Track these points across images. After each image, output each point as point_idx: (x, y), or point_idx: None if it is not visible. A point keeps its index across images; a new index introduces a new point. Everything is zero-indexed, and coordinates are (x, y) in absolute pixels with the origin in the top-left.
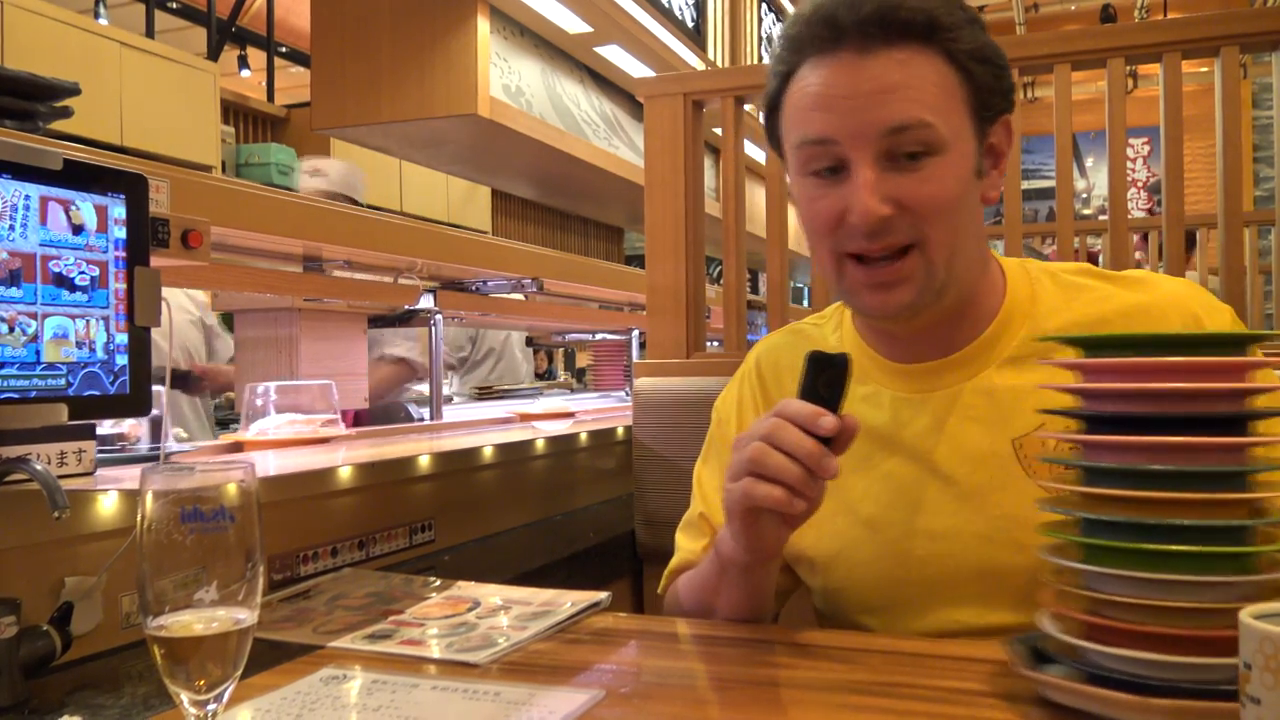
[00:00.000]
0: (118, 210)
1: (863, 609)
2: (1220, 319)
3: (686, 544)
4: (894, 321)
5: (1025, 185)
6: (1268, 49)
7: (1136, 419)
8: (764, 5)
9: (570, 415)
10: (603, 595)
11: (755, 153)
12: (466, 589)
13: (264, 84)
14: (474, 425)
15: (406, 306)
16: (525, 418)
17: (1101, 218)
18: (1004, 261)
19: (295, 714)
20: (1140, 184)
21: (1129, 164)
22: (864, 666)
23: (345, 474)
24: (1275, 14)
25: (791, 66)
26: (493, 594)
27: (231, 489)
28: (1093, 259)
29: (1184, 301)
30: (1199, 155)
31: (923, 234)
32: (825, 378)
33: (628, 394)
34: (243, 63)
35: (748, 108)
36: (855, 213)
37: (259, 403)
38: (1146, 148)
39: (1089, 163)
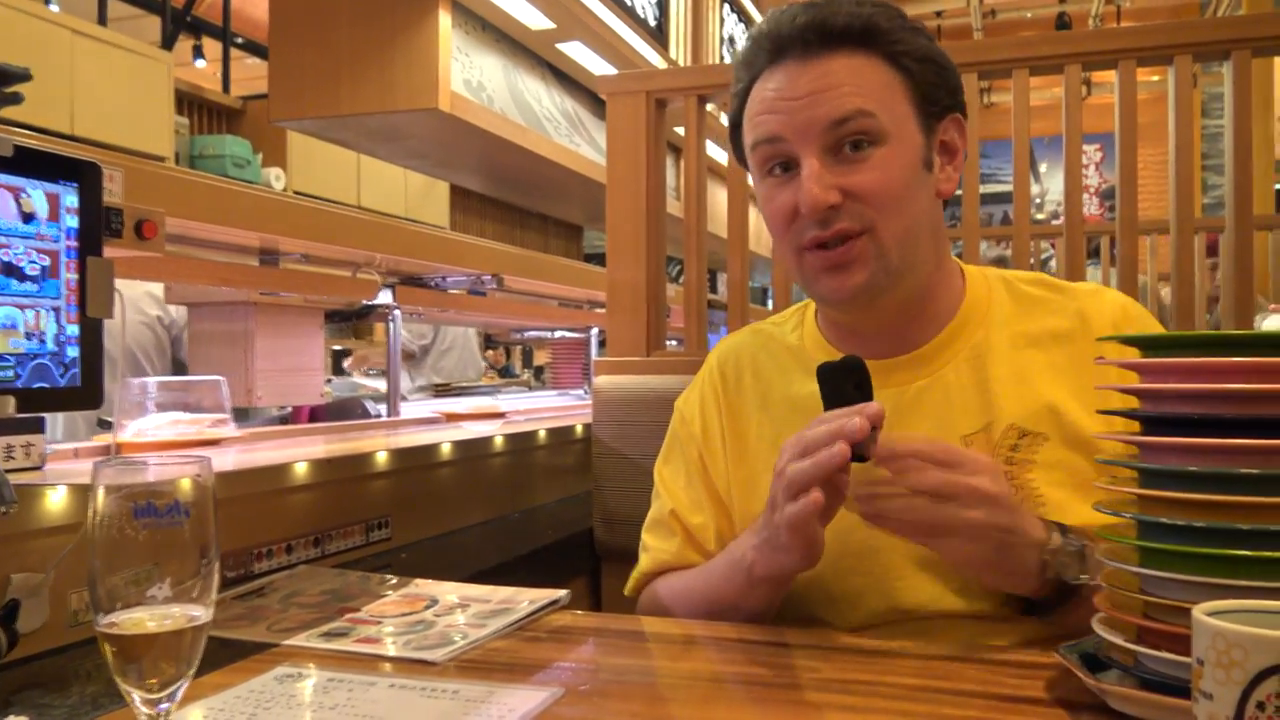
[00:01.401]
0: (70, 199)
1: (815, 599)
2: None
3: (657, 544)
4: (853, 307)
5: (981, 190)
6: (1219, 58)
7: (1197, 420)
8: (726, 5)
9: (500, 415)
10: (561, 593)
11: (717, 153)
12: (424, 587)
13: (219, 75)
14: (395, 425)
15: (364, 302)
16: (452, 417)
17: (1054, 222)
18: (965, 267)
19: (249, 713)
20: (1093, 190)
21: (1082, 169)
22: (825, 664)
23: (301, 470)
24: (1227, 24)
25: (746, 84)
26: (450, 592)
27: (187, 484)
28: (1044, 265)
29: (1114, 314)
30: (1149, 162)
31: (871, 220)
32: (853, 381)
33: (586, 392)
34: (197, 53)
35: (710, 107)
36: (804, 203)
37: (136, 400)
38: (1099, 154)
39: (1043, 168)
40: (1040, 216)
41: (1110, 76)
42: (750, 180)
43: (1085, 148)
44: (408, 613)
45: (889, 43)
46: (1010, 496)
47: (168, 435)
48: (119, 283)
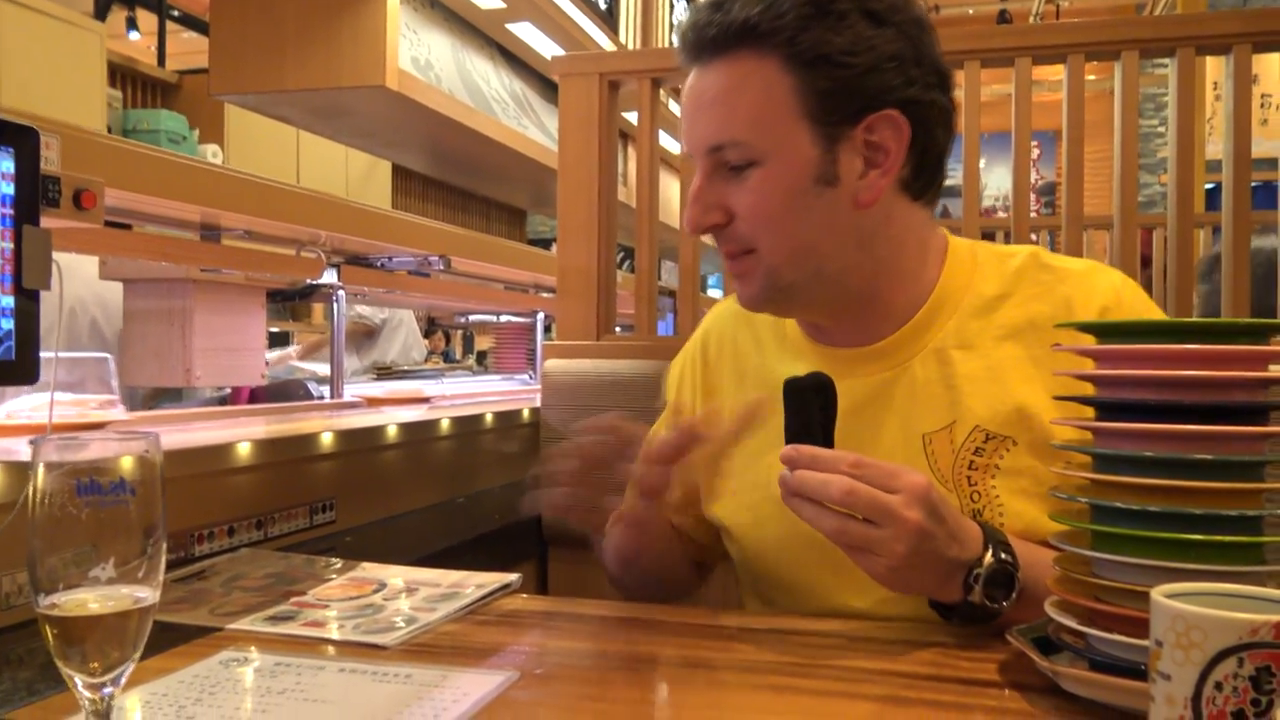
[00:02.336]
0: (5, 164)
1: (775, 585)
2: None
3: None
4: (766, 312)
5: None
6: (1165, 54)
7: (1152, 406)
8: None
9: (425, 400)
10: (512, 577)
11: (668, 142)
12: (370, 570)
13: (154, 48)
14: (310, 409)
15: (308, 281)
16: (373, 402)
17: (999, 214)
18: (952, 247)
19: (195, 698)
20: (1030, 186)
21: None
22: (777, 647)
23: (244, 450)
24: (1173, 21)
25: None
26: (397, 575)
27: (132, 461)
28: None
29: (1105, 299)
30: (1086, 159)
31: (752, 241)
32: (819, 400)
33: (531, 377)
34: (131, 24)
35: (660, 93)
36: (684, 222)
37: None
38: (1037, 151)
39: (982, 163)
40: (980, 210)
41: (1048, 74)
42: None
43: None
44: (355, 596)
45: (779, 43)
46: (945, 521)
47: (43, 419)
48: (66, 257)
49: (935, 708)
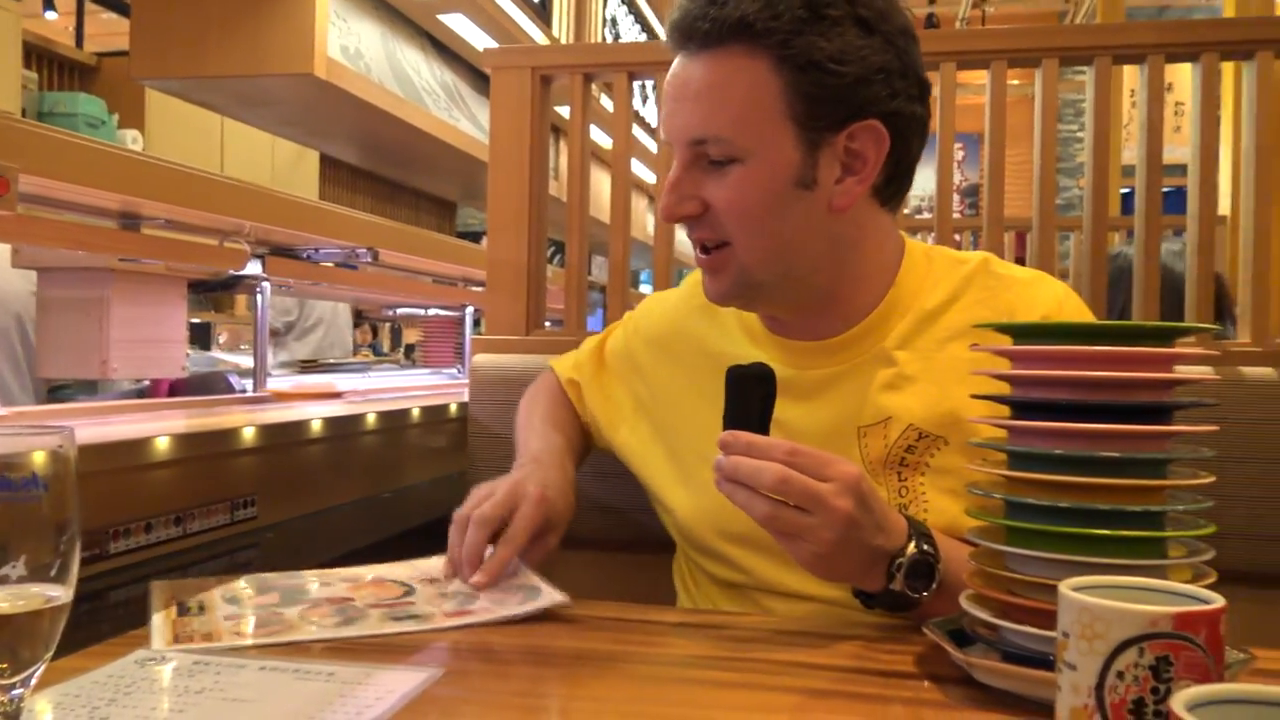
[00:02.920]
0: None
1: (707, 553)
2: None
3: (566, 363)
4: (732, 306)
5: None
6: (1085, 63)
7: (1063, 406)
8: None
9: (337, 395)
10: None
11: (598, 136)
12: (379, 570)
13: (72, 28)
14: (211, 405)
15: (231, 272)
16: (281, 396)
17: (919, 216)
18: (909, 251)
19: (109, 698)
20: (955, 187)
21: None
22: (699, 640)
23: (162, 445)
24: (1093, 31)
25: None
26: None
27: (44, 456)
28: None
29: (1047, 308)
30: (1007, 163)
31: (728, 235)
32: (761, 391)
33: (460, 371)
34: (48, 3)
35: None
36: (659, 209)
37: None
38: (961, 153)
39: None
40: (905, 211)
41: (972, 79)
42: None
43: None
44: (388, 599)
45: (772, 44)
46: (873, 511)
47: None
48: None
49: (856, 699)
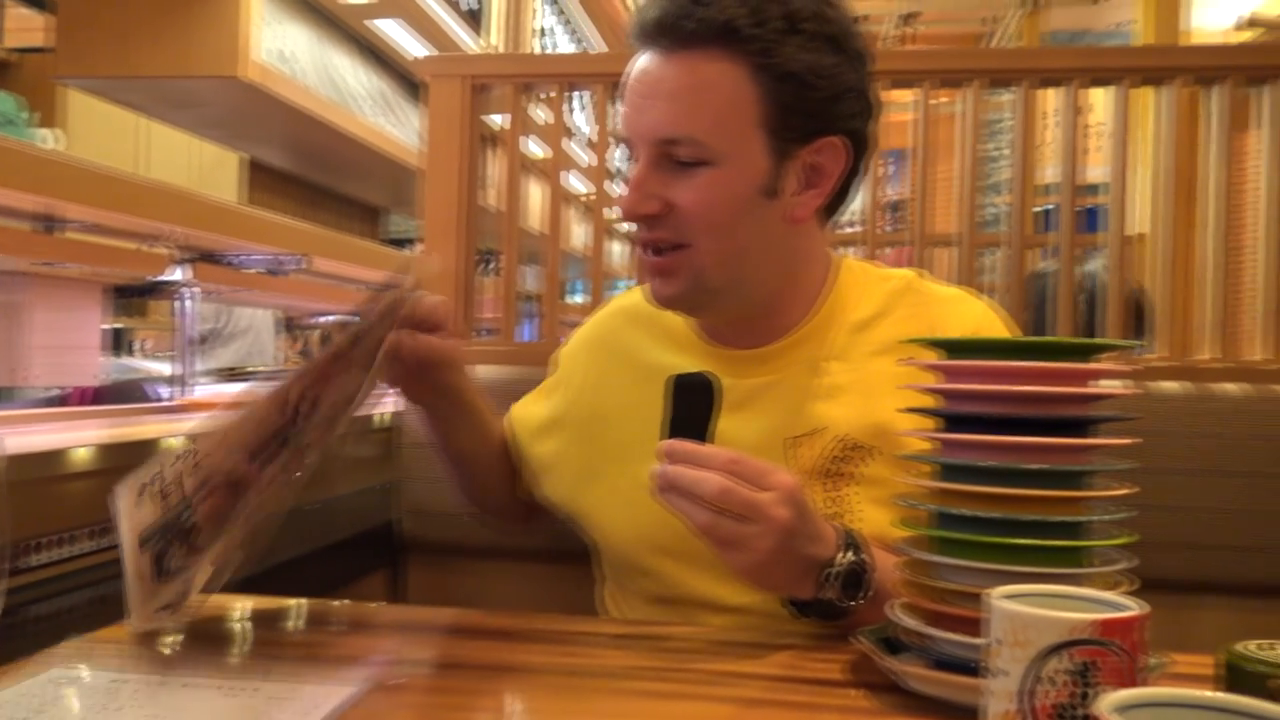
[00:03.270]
0: None
1: (636, 569)
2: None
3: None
4: (677, 311)
5: None
6: (1011, 84)
7: (988, 419)
8: None
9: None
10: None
11: (533, 146)
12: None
13: None
14: (130, 414)
15: (153, 278)
16: (202, 405)
17: (848, 230)
18: (844, 265)
19: (22, 718)
20: (880, 202)
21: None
22: (632, 651)
23: (81, 455)
24: (1017, 54)
25: (634, 56)
26: None
27: None
28: None
29: (971, 325)
30: (930, 179)
31: (690, 237)
32: (703, 402)
33: None
34: None
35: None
36: (621, 206)
37: None
38: (881, 169)
39: None
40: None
41: (897, 97)
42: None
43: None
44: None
45: (754, 51)
46: (809, 520)
47: None
48: None
49: (789, 708)
